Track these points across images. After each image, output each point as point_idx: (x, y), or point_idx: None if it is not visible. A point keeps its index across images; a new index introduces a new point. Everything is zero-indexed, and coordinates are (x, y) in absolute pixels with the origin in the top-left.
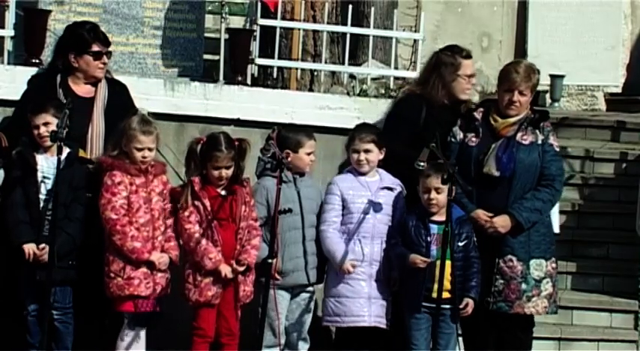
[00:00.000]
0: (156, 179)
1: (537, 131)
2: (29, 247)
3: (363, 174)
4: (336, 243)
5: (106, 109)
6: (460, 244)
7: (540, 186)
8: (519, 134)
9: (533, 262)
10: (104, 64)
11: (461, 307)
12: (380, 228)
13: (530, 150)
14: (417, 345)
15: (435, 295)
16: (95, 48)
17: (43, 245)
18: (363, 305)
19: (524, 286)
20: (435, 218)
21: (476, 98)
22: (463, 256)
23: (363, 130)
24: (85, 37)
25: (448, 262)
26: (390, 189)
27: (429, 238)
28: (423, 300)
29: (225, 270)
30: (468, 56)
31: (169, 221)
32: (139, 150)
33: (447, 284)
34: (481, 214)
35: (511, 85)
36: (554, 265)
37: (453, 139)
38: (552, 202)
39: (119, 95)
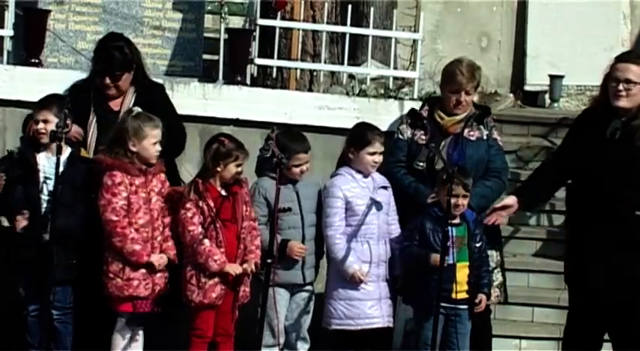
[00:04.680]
0: (155, 178)
1: (482, 126)
2: (18, 218)
3: (362, 174)
4: (343, 249)
5: None
6: (477, 245)
7: (488, 176)
8: (466, 131)
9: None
10: (109, 86)
11: (476, 302)
12: (384, 228)
13: (477, 146)
14: (430, 345)
15: (455, 296)
16: (98, 79)
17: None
18: (375, 306)
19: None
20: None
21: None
22: (478, 256)
23: (375, 131)
24: (94, 64)
25: (466, 263)
26: (385, 188)
27: (448, 242)
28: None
29: (232, 269)
30: (626, 60)
31: (167, 220)
32: None
33: (464, 285)
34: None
35: (458, 87)
36: (500, 254)
37: (400, 136)
38: (499, 192)
39: (147, 101)
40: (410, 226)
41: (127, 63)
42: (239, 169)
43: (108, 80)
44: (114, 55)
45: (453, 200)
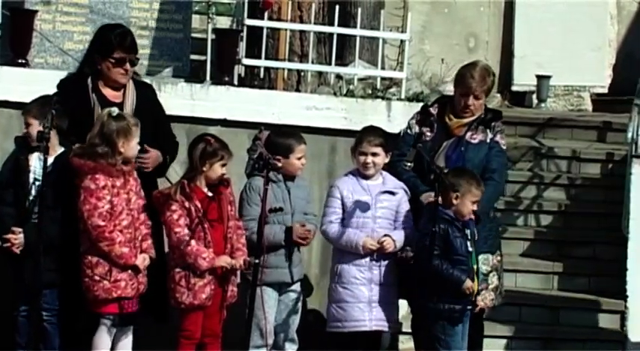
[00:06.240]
0: (131, 178)
1: (488, 130)
2: (9, 237)
3: (366, 177)
4: (342, 231)
5: (134, 113)
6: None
7: (484, 180)
8: (469, 134)
9: (481, 258)
10: (126, 70)
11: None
12: (380, 232)
13: (479, 149)
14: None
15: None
16: (117, 54)
17: (18, 230)
18: (364, 310)
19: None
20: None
21: None
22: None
23: (370, 133)
24: (109, 41)
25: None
26: (392, 193)
27: (469, 246)
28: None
29: (223, 261)
30: None
31: (142, 216)
32: None
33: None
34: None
35: (467, 90)
36: (499, 258)
37: (408, 131)
38: (495, 193)
39: (147, 98)
40: (423, 231)
41: (136, 49)
42: (224, 169)
43: (128, 65)
44: (127, 33)
45: (473, 207)
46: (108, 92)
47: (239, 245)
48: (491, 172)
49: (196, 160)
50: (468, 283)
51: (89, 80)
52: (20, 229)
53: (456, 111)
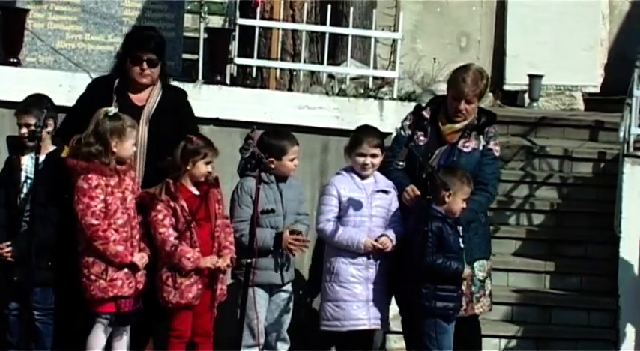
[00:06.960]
0: (127, 177)
1: (481, 137)
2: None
3: (361, 176)
4: (341, 230)
5: (153, 116)
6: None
7: (475, 189)
8: (461, 141)
9: (477, 264)
10: (143, 70)
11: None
12: (376, 231)
13: (471, 156)
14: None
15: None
16: (135, 53)
17: (7, 243)
18: (362, 308)
19: (473, 288)
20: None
21: None
22: None
23: (369, 133)
24: (130, 41)
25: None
26: (385, 192)
27: (460, 242)
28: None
29: (209, 261)
30: None
31: (139, 217)
32: None
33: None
34: (410, 190)
35: (460, 95)
36: (490, 262)
37: (402, 132)
38: (487, 203)
39: (172, 101)
40: (414, 230)
41: (161, 48)
42: (209, 167)
43: (146, 65)
44: (151, 36)
45: (463, 205)
46: (133, 95)
47: (226, 243)
48: (484, 183)
49: (178, 160)
50: (467, 270)
51: (116, 82)
52: (8, 243)
53: (449, 114)
